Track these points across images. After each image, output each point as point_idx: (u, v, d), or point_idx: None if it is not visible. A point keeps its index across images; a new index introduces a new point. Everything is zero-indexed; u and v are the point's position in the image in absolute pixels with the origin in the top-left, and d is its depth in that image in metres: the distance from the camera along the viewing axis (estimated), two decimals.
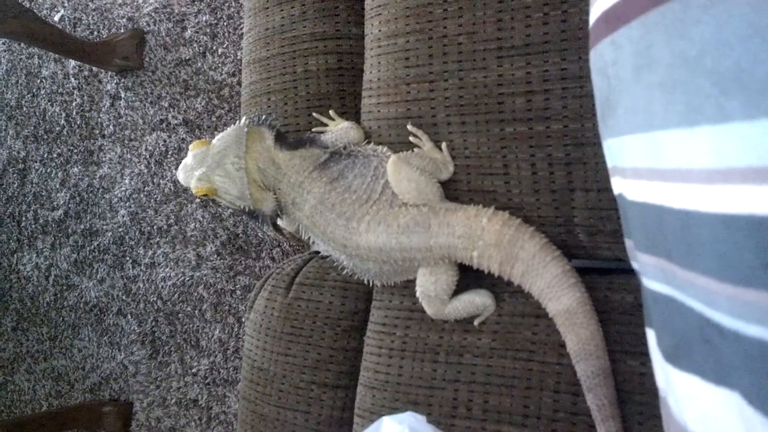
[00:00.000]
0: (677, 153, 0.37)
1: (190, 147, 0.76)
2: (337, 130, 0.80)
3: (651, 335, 0.49)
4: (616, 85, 0.45)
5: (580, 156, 0.68)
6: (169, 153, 1.77)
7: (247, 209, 0.75)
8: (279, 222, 0.80)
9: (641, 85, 0.41)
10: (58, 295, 1.91)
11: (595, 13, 0.48)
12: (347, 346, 0.85)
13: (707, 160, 0.34)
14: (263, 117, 0.77)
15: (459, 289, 0.74)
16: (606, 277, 0.71)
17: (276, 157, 0.76)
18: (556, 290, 0.67)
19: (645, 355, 0.64)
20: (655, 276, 0.45)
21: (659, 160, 0.40)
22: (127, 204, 1.82)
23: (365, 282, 0.79)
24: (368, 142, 0.79)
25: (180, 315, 1.75)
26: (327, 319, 0.86)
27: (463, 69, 0.72)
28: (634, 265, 0.53)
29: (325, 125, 0.84)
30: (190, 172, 0.75)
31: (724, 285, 0.34)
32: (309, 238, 0.78)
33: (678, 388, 0.43)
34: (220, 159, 0.74)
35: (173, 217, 1.75)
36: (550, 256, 0.68)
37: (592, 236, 0.70)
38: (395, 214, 0.72)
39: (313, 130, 0.84)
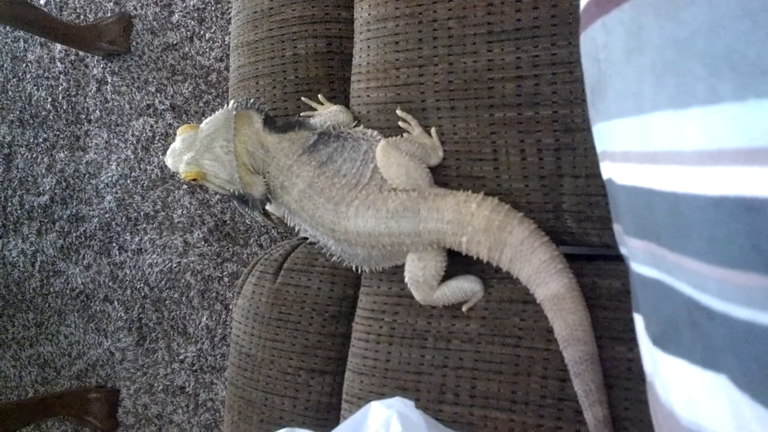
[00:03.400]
0: (667, 135, 0.37)
1: (178, 131, 0.75)
2: (326, 113, 0.80)
3: (639, 320, 0.50)
4: (607, 69, 0.45)
5: (569, 142, 0.68)
6: (156, 138, 1.76)
7: (236, 193, 0.74)
8: (268, 207, 0.80)
9: (632, 68, 0.41)
10: (44, 281, 1.90)
11: None
12: (335, 331, 0.85)
13: (698, 142, 0.34)
14: (251, 100, 0.76)
15: (447, 275, 0.74)
16: (594, 264, 0.71)
17: (265, 141, 0.75)
18: (544, 276, 0.67)
19: (632, 341, 0.64)
20: (644, 260, 0.45)
21: (649, 142, 0.40)
22: (114, 190, 1.80)
23: (353, 268, 0.79)
24: (358, 126, 0.79)
25: (167, 302, 1.74)
26: (315, 304, 0.85)
27: (452, 54, 0.72)
28: (623, 250, 0.53)
29: (314, 110, 0.84)
30: (178, 156, 0.74)
31: (714, 267, 0.34)
32: (296, 225, 0.78)
33: (665, 372, 0.43)
34: (209, 143, 0.73)
35: (160, 203, 1.74)
36: (539, 242, 0.68)
37: (581, 222, 0.70)
38: (384, 199, 0.72)
39: (301, 114, 0.83)
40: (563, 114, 0.67)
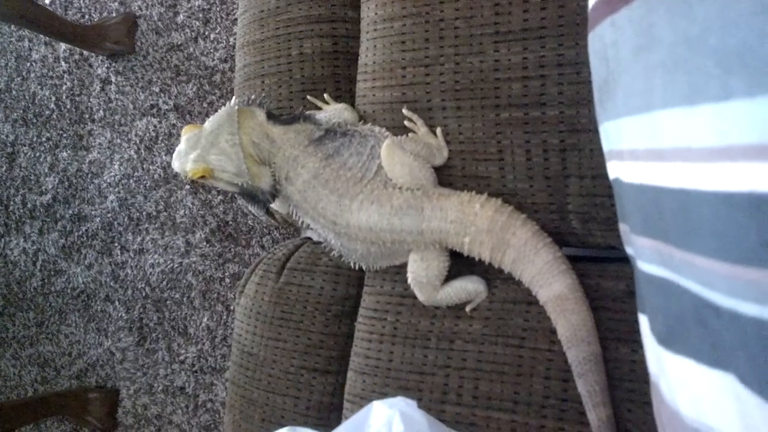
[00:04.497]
0: (677, 132, 0.37)
1: (182, 132, 0.75)
2: (332, 110, 0.80)
3: (644, 320, 0.49)
4: (615, 67, 0.45)
5: (575, 142, 0.68)
6: (160, 138, 1.76)
7: (245, 185, 0.74)
8: (273, 205, 0.80)
9: (641, 66, 0.41)
10: (46, 281, 1.90)
11: None
12: (338, 331, 0.85)
13: (708, 139, 0.34)
14: (253, 97, 0.76)
15: (451, 275, 0.74)
16: (598, 265, 0.71)
17: (270, 132, 0.75)
18: (547, 277, 0.67)
19: (636, 342, 0.64)
20: (651, 258, 0.45)
21: (658, 140, 0.40)
22: (116, 189, 1.80)
23: (351, 265, 0.78)
24: (364, 123, 0.79)
25: (168, 302, 1.74)
26: (318, 304, 0.85)
27: (459, 53, 0.72)
28: (629, 249, 0.53)
29: (320, 109, 0.84)
30: (184, 156, 0.73)
31: (723, 264, 0.34)
32: (299, 219, 0.77)
33: (671, 371, 0.43)
34: (214, 138, 0.73)
35: (162, 203, 1.74)
36: (542, 243, 0.68)
37: (586, 223, 0.70)
38: (389, 195, 0.72)
39: (306, 112, 0.83)
40: (569, 115, 0.67)
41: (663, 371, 0.45)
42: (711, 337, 0.37)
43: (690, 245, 0.38)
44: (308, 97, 0.85)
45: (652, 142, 0.40)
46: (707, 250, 0.36)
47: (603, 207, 0.68)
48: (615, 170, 0.50)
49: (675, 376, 0.42)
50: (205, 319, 1.69)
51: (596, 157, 0.66)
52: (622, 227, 0.53)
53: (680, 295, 0.40)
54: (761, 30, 0.31)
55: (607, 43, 0.46)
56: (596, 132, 0.54)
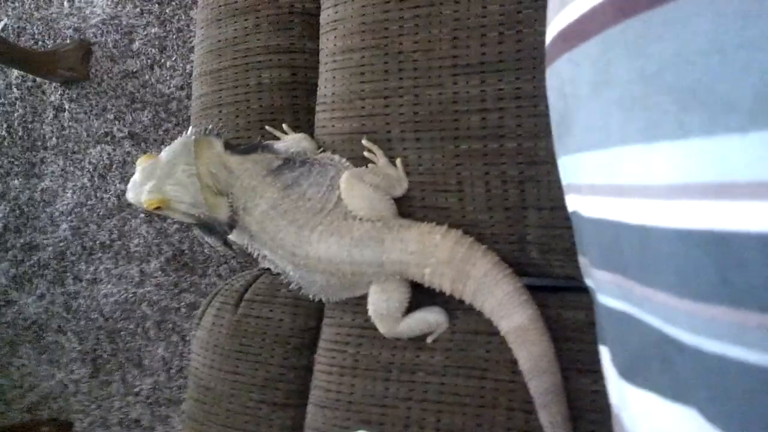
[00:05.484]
0: (636, 169, 0.37)
1: (137, 163, 0.74)
2: (290, 139, 0.80)
3: (605, 352, 0.50)
4: (573, 103, 0.45)
5: (533, 174, 0.68)
6: (114, 166, 1.73)
7: (202, 216, 0.73)
8: (230, 236, 0.78)
9: (599, 103, 0.41)
10: None
11: (552, 32, 0.48)
12: (297, 364, 0.84)
13: (666, 176, 0.35)
14: (209, 127, 0.75)
15: (412, 306, 0.73)
16: (558, 295, 0.71)
17: (227, 162, 0.74)
18: (507, 308, 0.67)
19: (597, 372, 0.64)
20: (611, 292, 0.45)
21: (617, 176, 0.40)
22: (69, 218, 1.77)
23: (309, 297, 0.77)
24: (323, 152, 0.78)
25: (122, 333, 1.70)
26: (277, 336, 0.84)
27: (418, 86, 0.72)
28: (588, 282, 0.53)
29: (278, 139, 0.83)
30: (139, 188, 0.72)
31: (683, 301, 0.35)
32: (256, 250, 0.76)
33: (633, 405, 0.43)
34: (170, 169, 0.71)
35: (116, 231, 1.72)
36: (502, 274, 0.68)
37: (545, 254, 0.70)
38: (349, 227, 0.71)
39: (264, 142, 0.82)
40: (528, 147, 0.68)
41: (625, 403, 0.45)
42: (673, 371, 0.37)
43: (650, 281, 0.38)
44: (266, 127, 0.85)
45: (612, 177, 0.41)
46: (667, 286, 0.36)
47: (562, 238, 0.68)
48: (574, 204, 0.50)
49: (637, 409, 0.43)
50: (160, 350, 1.66)
51: (554, 188, 0.67)
52: (582, 260, 0.54)
53: (641, 329, 0.40)
54: (716, 69, 0.32)
55: (564, 79, 0.46)
56: (554, 164, 0.55)
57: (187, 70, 1.68)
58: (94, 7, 1.79)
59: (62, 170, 1.78)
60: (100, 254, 1.73)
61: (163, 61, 1.70)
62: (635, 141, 0.37)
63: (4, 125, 1.85)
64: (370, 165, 0.75)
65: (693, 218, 0.33)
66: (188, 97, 1.67)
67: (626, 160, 0.38)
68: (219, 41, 0.90)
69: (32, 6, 1.87)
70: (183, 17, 1.69)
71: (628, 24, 0.37)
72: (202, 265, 1.63)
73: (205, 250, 1.62)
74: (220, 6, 0.91)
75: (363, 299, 0.75)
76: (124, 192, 1.68)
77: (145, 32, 1.72)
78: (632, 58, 0.37)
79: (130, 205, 1.69)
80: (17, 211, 1.83)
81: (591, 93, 0.42)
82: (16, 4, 1.88)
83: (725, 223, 0.31)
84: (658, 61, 0.35)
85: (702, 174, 0.32)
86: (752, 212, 0.30)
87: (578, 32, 0.43)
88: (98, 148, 1.74)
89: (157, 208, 0.71)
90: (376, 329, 0.74)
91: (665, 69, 0.34)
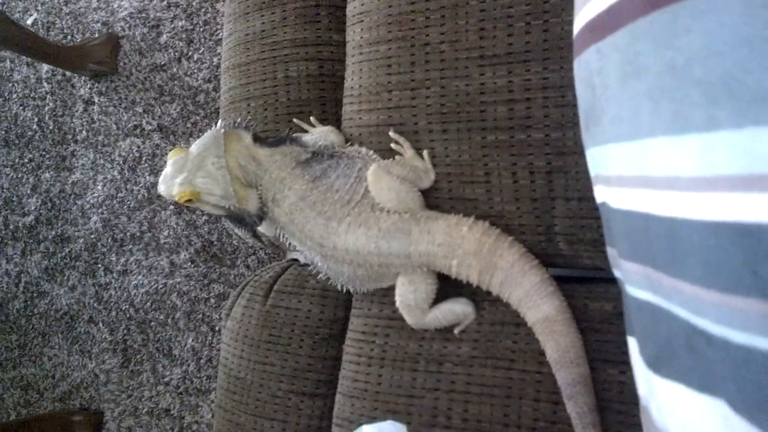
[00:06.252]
0: (664, 161, 0.37)
1: (168, 156, 0.75)
2: (318, 132, 0.80)
3: (633, 343, 0.50)
4: (602, 94, 0.45)
5: (561, 165, 0.68)
6: (143, 159, 1.75)
7: (232, 208, 0.74)
8: (260, 227, 0.79)
9: (628, 94, 0.41)
10: (28, 303, 1.88)
11: (579, 23, 0.48)
12: (326, 354, 0.85)
13: (695, 168, 0.35)
14: (239, 120, 0.76)
15: (439, 298, 0.73)
16: (585, 286, 0.71)
17: (256, 154, 0.75)
18: (534, 299, 0.67)
19: (625, 363, 0.64)
20: (640, 284, 0.45)
21: (646, 167, 0.40)
22: (100, 210, 1.79)
23: (338, 287, 0.78)
24: (351, 145, 0.79)
25: (152, 323, 1.72)
26: (305, 327, 0.85)
27: (445, 77, 0.72)
28: (617, 273, 0.53)
29: (306, 131, 0.84)
30: (171, 180, 0.73)
31: (712, 292, 0.35)
32: (286, 241, 0.77)
33: (661, 395, 0.43)
34: (200, 161, 0.73)
35: (146, 223, 1.74)
36: (529, 265, 0.68)
37: (573, 245, 0.70)
38: (376, 218, 0.71)
39: (292, 134, 0.83)
40: (555, 137, 0.68)
41: (653, 394, 0.45)
42: (701, 363, 0.37)
43: (678, 272, 0.38)
44: (294, 119, 0.85)
45: (640, 169, 0.41)
46: (696, 277, 0.36)
47: (589, 229, 0.68)
48: (602, 195, 0.50)
49: (665, 400, 0.43)
50: (190, 340, 1.68)
51: (582, 179, 0.67)
52: (610, 251, 0.53)
53: (670, 320, 0.40)
54: (745, 61, 0.31)
55: (593, 70, 0.46)
56: (582, 154, 0.55)
57: (214, 63, 1.69)
58: (122, 0, 1.81)
59: (92, 163, 1.81)
60: (130, 246, 1.76)
61: (190, 53, 1.71)
62: (664, 133, 0.37)
63: (35, 119, 1.88)
64: (397, 157, 0.75)
65: (722, 210, 0.33)
66: (215, 89, 1.68)
67: (655, 151, 0.38)
68: (246, 35, 0.91)
69: (61, 1, 1.89)
70: (209, 10, 1.70)
71: (657, 16, 0.37)
72: (231, 256, 1.65)
73: (234, 242, 1.64)
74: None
75: (390, 290, 0.75)
76: (153, 184, 1.70)
77: (173, 25, 1.73)
78: (661, 49, 0.37)
79: (159, 196, 1.71)
80: (49, 204, 1.86)
81: (619, 84, 0.42)
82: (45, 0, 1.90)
83: (754, 215, 0.31)
84: (687, 53, 0.35)
85: (731, 166, 0.32)
86: None
87: (606, 23, 0.43)
88: (128, 140, 1.76)
89: (188, 200, 0.72)
90: (403, 320, 0.75)
91: (694, 61, 0.34)
